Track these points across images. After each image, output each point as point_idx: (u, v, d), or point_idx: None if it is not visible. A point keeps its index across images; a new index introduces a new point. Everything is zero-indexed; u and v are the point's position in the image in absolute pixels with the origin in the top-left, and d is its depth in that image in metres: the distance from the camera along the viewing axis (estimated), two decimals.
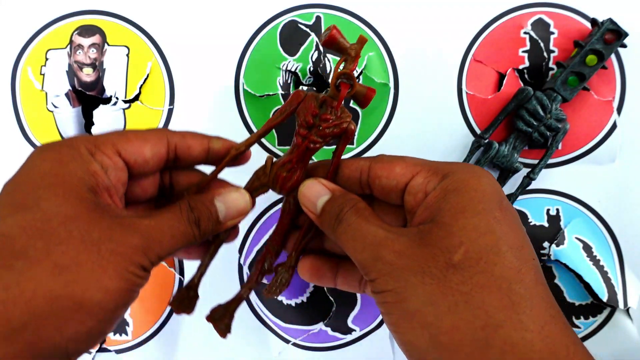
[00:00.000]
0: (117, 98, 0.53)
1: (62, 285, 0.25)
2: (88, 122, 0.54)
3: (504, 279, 0.26)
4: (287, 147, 0.52)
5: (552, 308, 0.26)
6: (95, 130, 0.53)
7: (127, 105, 0.53)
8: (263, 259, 0.41)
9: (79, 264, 0.26)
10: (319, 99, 0.37)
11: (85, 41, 0.53)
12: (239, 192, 0.35)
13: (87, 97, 0.53)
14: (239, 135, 0.52)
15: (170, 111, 0.53)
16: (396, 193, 0.33)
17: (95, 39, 0.53)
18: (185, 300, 0.40)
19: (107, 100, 0.53)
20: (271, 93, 0.52)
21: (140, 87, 0.53)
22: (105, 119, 0.53)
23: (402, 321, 0.27)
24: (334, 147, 0.38)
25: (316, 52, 0.52)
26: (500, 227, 0.27)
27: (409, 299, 0.27)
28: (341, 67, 0.36)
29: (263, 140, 0.52)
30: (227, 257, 0.52)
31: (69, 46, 0.53)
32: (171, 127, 0.53)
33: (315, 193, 0.34)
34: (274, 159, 0.39)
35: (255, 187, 0.39)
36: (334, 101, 0.36)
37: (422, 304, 0.26)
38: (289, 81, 0.52)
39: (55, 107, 0.53)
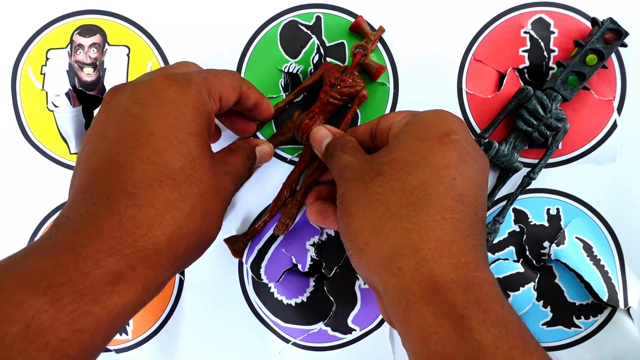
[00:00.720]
0: None
1: (206, 225, 0.33)
2: (88, 122, 0.54)
3: (411, 186, 0.31)
4: (287, 147, 0.52)
5: (449, 215, 0.30)
6: None
7: None
8: (280, 194, 0.50)
9: (214, 211, 0.34)
10: (342, 67, 0.49)
11: (86, 41, 0.53)
12: (268, 145, 0.46)
13: (88, 96, 0.53)
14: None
15: None
16: (387, 134, 0.39)
17: (96, 38, 0.54)
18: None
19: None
20: (274, 96, 0.52)
21: None
22: None
23: (340, 213, 0.35)
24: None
25: (317, 54, 0.52)
26: (431, 151, 0.32)
27: (345, 197, 0.34)
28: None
29: (260, 136, 0.52)
30: (228, 256, 0.52)
31: (69, 46, 0.53)
32: None
33: (321, 136, 0.43)
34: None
35: (282, 132, 0.50)
36: (353, 70, 0.49)
37: (351, 200, 0.34)
38: (289, 83, 0.52)
39: (56, 106, 0.53)
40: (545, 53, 0.51)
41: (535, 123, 0.48)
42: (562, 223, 0.51)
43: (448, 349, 0.26)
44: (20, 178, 0.54)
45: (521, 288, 0.51)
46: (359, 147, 0.39)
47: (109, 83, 0.53)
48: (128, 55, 0.53)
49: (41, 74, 0.53)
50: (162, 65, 0.53)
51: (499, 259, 0.51)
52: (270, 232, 0.52)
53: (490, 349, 0.25)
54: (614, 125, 0.50)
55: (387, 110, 0.52)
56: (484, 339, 0.25)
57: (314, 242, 0.52)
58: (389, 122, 0.39)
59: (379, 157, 0.34)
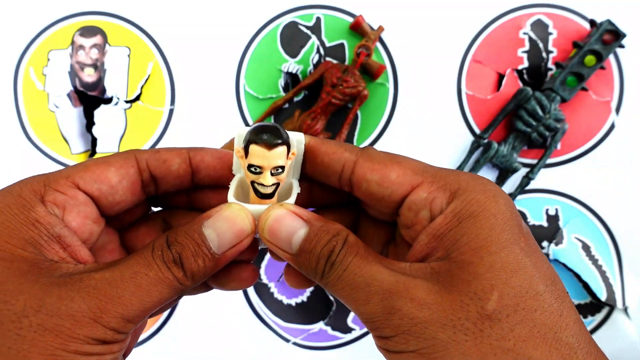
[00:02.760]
0: (118, 98, 0.53)
1: None
2: (89, 122, 0.54)
3: (548, 327, 0.22)
4: None
5: (601, 355, 0.23)
6: (95, 130, 0.53)
7: (129, 105, 0.53)
8: None
9: None
10: (343, 67, 0.49)
11: (87, 42, 0.54)
12: (231, 208, 0.25)
13: (89, 97, 0.54)
14: None
15: (171, 111, 0.53)
16: (389, 205, 0.27)
17: (97, 39, 0.54)
18: None
19: (108, 101, 0.53)
20: (274, 96, 0.52)
21: (141, 88, 0.53)
22: (107, 119, 0.53)
23: None
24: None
25: (317, 54, 0.52)
26: (530, 261, 0.23)
27: None
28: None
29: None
30: None
31: (70, 47, 0.53)
32: (172, 127, 0.53)
33: (288, 228, 0.25)
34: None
35: None
36: (354, 69, 0.48)
37: None
38: (289, 83, 0.52)
39: (57, 107, 0.53)
40: (544, 54, 0.51)
41: (534, 124, 0.48)
42: (560, 223, 0.51)
43: None
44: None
45: None
46: (366, 246, 0.25)
47: (109, 83, 0.53)
48: (129, 56, 0.53)
49: (43, 74, 0.53)
50: (163, 65, 0.53)
51: None
52: None
53: None
54: (612, 126, 0.51)
55: (387, 111, 0.52)
56: None
57: None
58: (393, 189, 0.26)
59: (458, 283, 0.22)
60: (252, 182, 0.26)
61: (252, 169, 0.26)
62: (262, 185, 0.26)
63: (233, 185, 0.27)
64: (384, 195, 0.26)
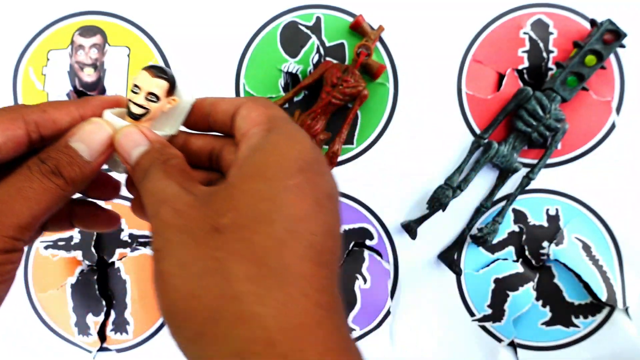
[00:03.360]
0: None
1: None
2: None
3: (262, 249, 0.23)
4: None
5: (311, 288, 0.23)
6: None
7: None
8: None
9: None
10: (343, 67, 0.49)
11: (87, 41, 0.54)
12: (92, 123, 0.29)
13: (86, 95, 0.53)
14: None
15: None
16: (231, 128, 0.30)
17: (96, 39, 0.54)
18: None
19: None
20: (274, 96, 0.52)
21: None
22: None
23: (157, 282, 0.24)
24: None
25: (317, 54, 0.52)
26: (285, 195, 0.24)
27: (164, 258, 0.24)
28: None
29: None
30: None
31: (70, 46, 0.53)
32: None
33: (132, 142, 0.29)
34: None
35: None
36: (354, 69, 0.48)
37: (173, 266, 0.24)
38: (288, 82, 0.52)
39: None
40: (544, 54, 0.51)
41: (534, 123, 0.48)
42: (561, 223, 0.51)
43: None
44: None
45: (520, 288, 0.51)
46: (187, 169, 0.28)
47: (109, 83, 0.53)
48: (128, 55, 0.53)
49: (42, 74, 0.53)
50: (162, 64, 0.53)
51: (498, 259, 0.51)
52: None
53: None
54: (613, 126, 0.51)
55: (388, 111, 0.52)
56: None
57: None
58: (241, 123, 0.29)
59: (217, 199, 0.25)
60: (129, 100, 0.31)
61: (134, 89, 0.30)
62: (135, 104, 0.30)
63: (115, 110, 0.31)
64: (228, 121, 0.30)
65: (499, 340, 0.52)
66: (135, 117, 0.32)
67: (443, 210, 0.50)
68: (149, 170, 0.27)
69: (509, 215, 0.52)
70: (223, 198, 0.25)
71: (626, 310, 0.51)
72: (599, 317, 0.51)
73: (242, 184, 0.25)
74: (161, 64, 0.53)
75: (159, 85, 0.32)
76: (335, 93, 0.48)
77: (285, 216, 0.24)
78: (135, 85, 0.31)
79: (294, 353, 0.22)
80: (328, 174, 0.27)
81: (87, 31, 0.54)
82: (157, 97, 0.31)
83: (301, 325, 0.22)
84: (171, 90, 0.32)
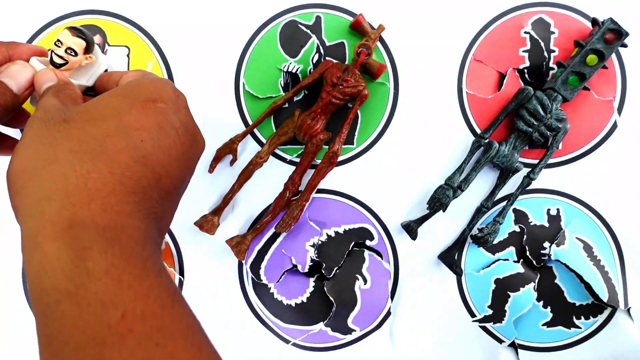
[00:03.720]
0: None
1: None
2: None
3: (90, 135, 0.29)
4: (287, 147, 0.52)
5: (119, 170, 0.28)
6: None
7: None
8: (282, 194, 0.50)
9: None
10: (343, 67, 0.48)
11: None
12: (17, 64, 0.36)
13: (90, 97, 0.53)
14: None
15: None
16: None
17: (96, 39, 0.53)
18: (209, 222, 0.50)
19: None
20: (274, 95, 0.52)
21: None
22: None
23: (13, 153, 0.30)
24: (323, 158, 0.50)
25: (317, 54, 0.52)
26: (127, 110, 0.30)
27: (23, 136, 0.30)
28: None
29: (259, 136, 0.52)
30: (228, 257, 0.52)
31: (49, 51, 0.53)
32: None
33: (45, 78, 0.36)
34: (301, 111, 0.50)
35: (283, 132, 0.50)
36: (354, 69, 0.48)
37: (25, 140, 0.30)
38: (288, 82, 0.52)
39: None
40: (545, 53, 0.51)
41: (535, 123, 0.48)
42: (562, 223, 0.51)
43: (58, 279, 0.24)
44: None
45: (521, 288, 0.51)
46: (76, 99, 0.35)
47: None
48: (128, 55, 0.53)
49: None
50: (162, 65, 0.53)
51: (499, 260, 0.51)
52: (270, 232, 0.52)
53: (97, 274, 0.24)
54: (614, 126, 0.50)
55: (388, 111, 0.52)
56: (95, 266, 0.24)
57: (313, 242, 0.52)
58: (121, 76, 0.37)
59: (79, 105, 0.32)
60: (51, 52, 0.38)
61: (56, 42, 0.38)
62: (56, 55, 0.38)
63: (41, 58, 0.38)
64: (113, 82, 0.38)
65: (500, 341, 0.52)
66: (56, 66, 0.40)
67: (443, 211, 0.50)
68: (46, 93, 0.34)
69: (510, 216, 0.51)
70: (84, 105, 0.31)
71: (628, 311, 0.50)
72: (601, 318, 0.51)
73: (103, 97, 0.32)
74: (161, 64, 0.53)
75: (77, 43, 0.40)
76: (335, 93, 0.48)
77: (121, 121, 0.30)
78: (58, 40, 0.39)
79: (81, 204, 0.26)
80: (185, 117, 0.33)
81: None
82: (76, 53, 0.40)
83: (96, 189, 0.27)
84: (88, 49, 0.41)
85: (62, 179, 0.27)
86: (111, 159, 0.28)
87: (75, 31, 0.41)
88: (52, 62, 0.43)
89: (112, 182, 0.27)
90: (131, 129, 0.29)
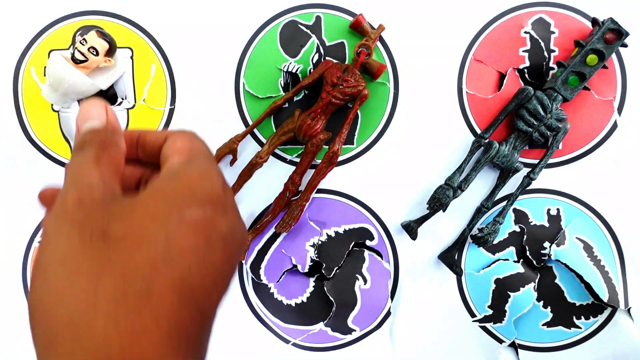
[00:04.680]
0: (122, 98, 0.53)
1: None
2: None
3: (135, 268, 0.24)
4: (287, 147, 0.52)
5: (168, 322, 0.24)
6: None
7: (132, 105, 0.53)
8: (282, 194, 0.50)
9: None
10: (343, 66, 0.49)
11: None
12: (84, 103, 0.32)
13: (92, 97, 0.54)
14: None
15: (171, 111, 0.53)
16: (158, 157, 0.31)
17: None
18: None
19: (111, 100, 0.53)
20: (274, 95, 0.52)
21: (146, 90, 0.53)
22: None
23: (34, 266, 0.26)
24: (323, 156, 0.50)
25: (317, 54, 0.52)
26: (177, 223, 0.25)
27: (49, 245, 0.25)
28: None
29: (259, 136, 0.52)
30: None
31: (71, 46, 0.53)
32: (172, 127, 0.53)
33: (93, 112, 0.31)
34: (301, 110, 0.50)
35: (283, 132, 0.50)
36: (354, 69, 0.48)
37: (54, 254, 0.25)
38: (288, 82, 0.52)
39: (66, 107, 0.53)
40: (545, 53, 0.51)
41: (535, 123, 0.48)
42: (562, 223, 0.51)
43: None
44: (21, 177, 0.54)
45: (521, 288, 0.51)
46: (121, 165, 0.29)
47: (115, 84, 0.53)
48: (132, 57, 0.53)
49: (44, 75, 0.53)
50: (164, 65, 0.53)
51: (499, 260, 0.51)
52: (270, 233, 0.52)
53: None
54: (615, 126, 0.50)
55: (388, 111, 0.52)
56: None
57: (313, 242, 0.52)
58: (166, 150, 0.30)
59: (119, 206, 0.26)
60: (75, 48, 0.45)
61: (81, 41, 0.44)
62: (79, 51, 0.45)
63: None
64: (157, 149, 0.31)
65: (500, 341, 0.52)
66: (76, 61, 0.46)
67: (443, 211, 0.50)
68: (86, 146, 0.28)
69: (510, 216, 0.51)
70: (124, 206, 0.26)
71: (628, 311, 0.50)
72: (601, 318, 0.51)
73: (145, 199, 0.26)
74: (163, 65, 0.53)
75: (101, 44, 0.45)
76: (335, 93, 0.48)
77: (168, 242, 0.24)
78: (84, 39, 0.44)
79: None
80: (232, 219, 0.27)
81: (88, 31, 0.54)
82: (97, 53, 0.45)
83: (140, 354, 0.22)
84: (110, 52, 0.45)
85: (104, 342, 0.23)
86: (158, 305, 0.24)
87: (101, 33, 0.45)
88: (73, 58, 0.47)
89: (158, 340, 0.23)
90: (179, 253, 0.25)
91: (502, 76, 0.51)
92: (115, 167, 0.28)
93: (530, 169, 0.50)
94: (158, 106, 0.53)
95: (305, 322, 0.53)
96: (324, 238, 0.52)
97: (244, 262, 0.53)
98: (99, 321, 0.22)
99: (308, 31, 0.52)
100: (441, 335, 0.52)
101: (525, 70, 0.51)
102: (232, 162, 0.52)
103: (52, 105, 0.53)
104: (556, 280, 0.51)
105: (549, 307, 0.51)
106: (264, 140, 0.52)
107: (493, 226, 0.50)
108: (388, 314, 0.52)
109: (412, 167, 0.52)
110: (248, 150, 0.52)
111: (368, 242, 0.52)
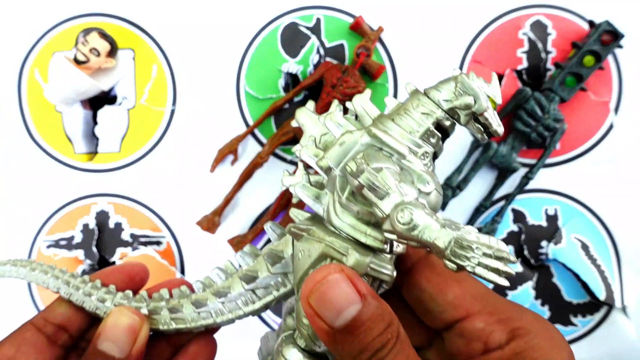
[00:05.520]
0: (123, 98, 0.54)
1: None
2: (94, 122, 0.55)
3: None
4: (287, 147, 0.53)
5: None
6: (98, 130, 0.54)
7: (132, 105, 0.54)
8: (282, 194, 0.51)
9: None
10: (343, 67, 0.49)
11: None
12: (111, 315, 0.27)
13: (95, 98, 0.54)
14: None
15: (172, 112, 0.53)
16: (436, 321, 0.25)
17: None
18: (210, 222, 0.51)
19: (112, 101, 0.54)
20: (274, 95, 0.52)
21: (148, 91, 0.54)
22: (109, 119, 0.54)
23: None
24: None
25: (317, 55, 0.52)
26: None
27: None
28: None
29: (260, 135, 0.53)
30: (228, 255, 0.53)
31: (74, 48, 0.54)
32: (173, 127, 0.53)
33: (341, 298, 0.21)
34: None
35: (283, 132, 0.50)
36: (354, 70, 0.48)
37: None
38: (289, 83, 0.53)
39: (67, 107, 0.54)
40: (543, 54, 0.51)
41: (533, 124, 0.48)
42: (559, 223, 0.51)
43: None
44: (24, 177, 0.54)
45: (519, 287, 0.51)
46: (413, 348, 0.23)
47: (116, 85, 0.54)
48: (133, 58, 0.54)
49: (48, 76, 0.54)
50: (166, 66, 0.54)
51: None
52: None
53: None
54: (611, 126, 0.51)
55: (387, 111, 0.52)
56: None
57: None
58: (446, 308, 0.25)
59: None
60: (77, 49, 0.46)
61: (83, 42, 0.44)
62: (81, 52, 0.45)
63: None
64: (435, 311, 0.25)
65: None
66: (78, 62, 0.46)
67: (442, 210, 0.50)
68: (384, 356, 0.21)
69: (508, 215, 0.52)
70: None
71: (624, 309, 0.51)
72: (597, 316, 0.51)
73: None
74: (164, 66, 0.54)
75: (102, 45, 0.46)
76: (335, 93, 0.49)
77: None
78: (86, 40, 0.45)
79: None
80: None
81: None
82: (99, 54, 0.45)
83: None
84: (111, 53, 0.46)
85: None
86: None
87: (103, 34, 0.45)
88: (75, 59, 0.47)
89: None
90: None
91: (500, 77, 0.52)
92: (414, 352, 0.23)
93: (528, 169, 0.50)
94: (159, 107, 0.53)
95: None
96: None
97: None
98: None
99: (308, 32, 0.53)
100: None
101: (523, 71, 0.52)
102: (233, 162, 0.52)
103: (55, 106, 0.54)
104: (553, 279, 0.51)
105: (546, 306, 0.51)
106: (264, 141, 0.53)
107: (491, 225, 0.50)
108: None
109: None
110: (249, 150, 0.53)
111: None
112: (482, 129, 0.25)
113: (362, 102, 0.26)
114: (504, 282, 0.21)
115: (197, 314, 0.27)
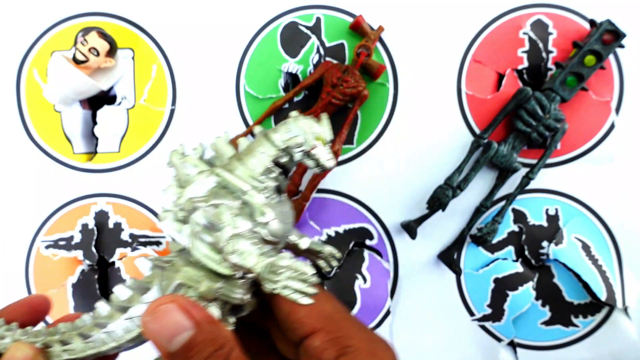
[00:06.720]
0: (123, 98, 0.53)
1: None
2: (94, 122, 0.54)
3: None
4: None
5: None
6: (97, 130, 0.54)
7: (132, 105, 0.53)
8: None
9: None
10: (343, 67, 0.49)
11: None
12: (9, 351, 0.28)
13: (95, 98, 0.54)
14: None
15: (172, 112, 0.53)
16: (293, 337, 0.27)
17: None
18: None
19: (111, 100, 0.54)
20: (274, 96, 0.52)
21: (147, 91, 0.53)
22: (109, 119, 0.53)
23: None
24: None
25: (317, 55, 0.52)
26: None
27: None
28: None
29: None
30: None
31: (73, 47, 0.54)
32: (173, 127, 0.53)
33: (173, 325, 0.24)
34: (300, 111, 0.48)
35: None
36: (354, 69, 0.48)
37: None
38: (289, 82, 0.52)
39: (66, 107, 0.53)
40: (543, 54, 0.51)
41: (534, 123, 0.48)
42: (560, 223, 0.51)
43: None
44: (23, 177, 0.54)
45: (520, 287, 0.51)
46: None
47: (116, 85, 0.53)
48: (133, 58, 0.53)
49: (47, 76, 0.54)
50: (165, 66, 0.54)
51: (497, 259, 0.52)
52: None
53: None
54: (612, 126, 0.51)
55: (388, 111, 0.52)
56: None
57: None
58: (295, 326, 0.27)
59: None
60: (76, 48, 0.46)
61: (82, 41, 0.44)
62: (80, 51, 0.45)
63: None
64: (288, 329, 0.27)
65: (499, 339, 0.52)
66: (77, 61, 0.46)
67: (443, 210, 0.50)
68: None
69: (509, 215, 0.52)
70: None
71: (625, 309, 0.51)
72: (599, 316, 0.51)
73: None
74: (164, 66, 0.53)
75: (101, 45, 0.45)
76: (335, 93, 0.49)
77: None
78: (85, 39, 0.44)
79: None
80: None
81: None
82: (98, 53, 0.45)
83: None
84: (110, 53, 0.45)
85: None
86: None
87: (102, 34, 0.45)
88: (74, 58, 0.47)
89: None
90: None
91: (500, 77, 0.52)
92: None
93: (528, 169, 0.50)
94: (159, 106, 0.53)
95: None
96: (324, 238, 0.52)
97: None
98: None
99: (308, 32, 0.52)
100: (440, 334, 0.52)
101: (524, 71, 0.51)
102: None
103: (54, 105, 0.54)
104: (554, 280, 0.51)
105: (547, 306, 0.51)
106: None
107: (492, 226, 0.50)
108: (387, 313, 0.52)
109: (412, 167, 0.52)
110: None
111: (368, 242, 0.53)
112: (315, 164, 0.30)
113: (219, 144, 0.30)
114: (307, 301, 0.25)
115: (85, 344, 0.29)
